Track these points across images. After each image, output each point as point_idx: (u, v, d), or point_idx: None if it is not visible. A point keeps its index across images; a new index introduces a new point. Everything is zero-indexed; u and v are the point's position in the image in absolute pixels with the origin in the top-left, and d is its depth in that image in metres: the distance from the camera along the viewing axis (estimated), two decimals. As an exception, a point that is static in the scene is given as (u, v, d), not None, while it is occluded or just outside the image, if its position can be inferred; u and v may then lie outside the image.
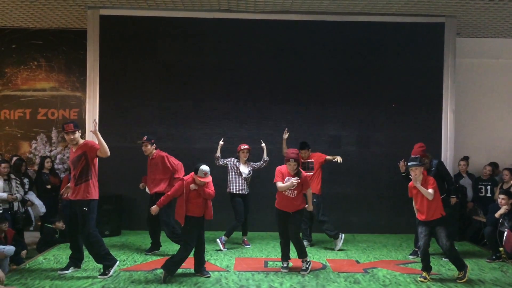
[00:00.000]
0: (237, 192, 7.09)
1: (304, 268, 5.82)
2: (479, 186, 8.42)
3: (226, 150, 7.88)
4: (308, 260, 5.89)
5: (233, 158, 7.23)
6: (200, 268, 5.59)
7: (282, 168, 5.90)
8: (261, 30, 8.54)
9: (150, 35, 8.55)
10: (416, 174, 5.50)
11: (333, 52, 8.63)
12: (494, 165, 8.65)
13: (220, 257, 6.51)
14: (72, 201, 5.56)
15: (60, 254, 6.53)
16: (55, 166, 8.80)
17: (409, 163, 5.63)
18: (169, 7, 8.34)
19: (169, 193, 5.64)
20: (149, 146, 6.71)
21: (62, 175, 8.70)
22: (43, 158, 8.33)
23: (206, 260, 5.82)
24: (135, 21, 8.47)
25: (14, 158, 8.06)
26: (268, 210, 8.15)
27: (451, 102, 8.54)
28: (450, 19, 8.50)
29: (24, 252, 6.68)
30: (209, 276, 5.50)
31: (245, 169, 7.18)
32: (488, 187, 8.31)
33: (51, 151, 9.28)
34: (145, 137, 6.75)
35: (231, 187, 7.13)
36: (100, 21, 8.35)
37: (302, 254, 5.88)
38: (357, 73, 8.61)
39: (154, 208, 5.63)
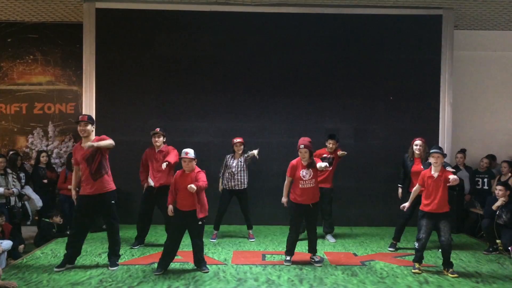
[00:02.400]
0: (225, 187, 7.17)
1: (317, 260, 5.87)
2: (476, 179, 8.44)
3: (224, 144, 7.91)
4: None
5: (227, 155, 7.24)
6: (199, 263, 5.58)
7: (294, 161, 5.82)
8: (258, 23, 8.50)
9: (146, 28, 8.49)
10: (437, 162, 5.51)
11: (330, 45, 8.59)
12: (491, 157, 8.68)
13: (218, 251, 6.51)
14: (92, 196, 5.47)
15: (57, 249, 6.51)
16: (52, 161, 8.77)
17: (432, 150, 5.61)
18: (166, 0, 8.29)
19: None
20: (161, 138, 6.70)
21: (59, 170, 8.68)
22: (39, 153, 8.31)
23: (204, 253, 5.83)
24: (131, 14, 8.42)
25: (10, 153, 8.03)
26: (266, 204, 8.20)
27: (448, 95, 8.54)
28: (447, 11, 8.48)
29: (21, 247, 6.69)
30: (208, 271, 5.49)
31: (233, 163, 7.14)
32: (485, 180, 8.33)
33: (47, 145, 9.25)
34: (158, 128, 6.73)
35: (222, 182, 7.23)
36: (96, 14, 8.32)
37: (315, 250, 5.93)
38: (354, 66, 8.59)
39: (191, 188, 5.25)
